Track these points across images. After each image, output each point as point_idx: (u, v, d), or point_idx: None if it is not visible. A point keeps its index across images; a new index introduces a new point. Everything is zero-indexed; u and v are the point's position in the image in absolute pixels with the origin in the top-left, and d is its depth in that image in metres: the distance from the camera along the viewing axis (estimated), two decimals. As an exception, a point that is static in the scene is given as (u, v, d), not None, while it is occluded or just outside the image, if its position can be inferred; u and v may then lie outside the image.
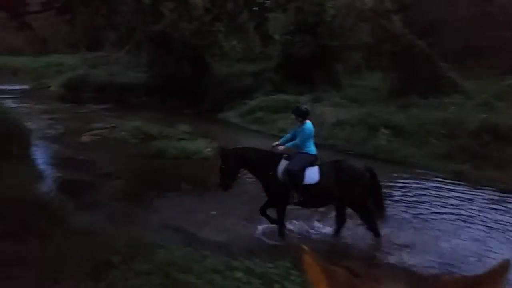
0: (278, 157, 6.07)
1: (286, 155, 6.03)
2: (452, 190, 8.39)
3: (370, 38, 17.68)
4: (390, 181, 8.98)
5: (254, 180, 6.69)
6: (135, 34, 13.46)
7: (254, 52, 19.29)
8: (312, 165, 5.93)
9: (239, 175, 6.27)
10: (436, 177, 9.17)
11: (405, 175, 9.36)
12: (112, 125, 13.39)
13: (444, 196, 8.11)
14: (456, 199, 7.91)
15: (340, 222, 6.21)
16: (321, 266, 0.80)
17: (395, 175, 9.39)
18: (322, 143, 12.69)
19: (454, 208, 7.47)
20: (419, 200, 7.93)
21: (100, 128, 13.13)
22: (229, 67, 20.22)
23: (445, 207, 7.53)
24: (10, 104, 16.27)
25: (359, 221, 6.20)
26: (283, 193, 5.93)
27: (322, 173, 5.91)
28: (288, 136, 6.42)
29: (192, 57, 19.72)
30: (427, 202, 7.79)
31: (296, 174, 5.81)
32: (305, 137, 5.97)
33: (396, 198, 7.99)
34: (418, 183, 8.82)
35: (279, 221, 6.11)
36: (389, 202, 7.70)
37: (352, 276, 0.77)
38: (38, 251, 4.02)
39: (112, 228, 5.26)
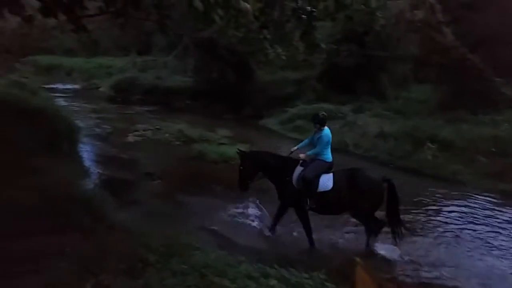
0: (294, 162, 6.12)
1: (302, 161, 6.06)
2: (499, 210, 7.96)
3: (419, 49, 17.16)
4: (434, 198, 8.64)
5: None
6: (183, 39, 13.83)
7: (298, 59, 19.24)
8: (327, 172, 5.98)
9: (257, 177, 6.29)
10: (484, 196, 8.73)
11: (452, 192, 8.98)
12: (157, 127, 13.76)
13: (491, 216, 7.70)
14: (504, 220, 7.49)
15: (369, 232, 6.11)
16: (377, 281, 0.76)
17: (440, 191, 9.01)
18: (364, 154, 12.48)
19: (501, 228, 7.08)
20: (462, 218, 7.57)
21: (145, 129, 13.52)
22: (272, 74, 20.27)
23: (494, 226, 7.16)
24: (62, 102, 17.15)
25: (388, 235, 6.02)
26: (297, 199, 5.96)
27: (336, 180, 5.93)
28: (305, 141, 6.45)
29: (237, 63, 19.97)
30: (471, 222, 7.42)
31: (311, 181, 5.85)
32: (324, 145, 5.98)
33: (438, 214, 7.66)
34: (463, 201, 8.42)
35: (306, 228, 6.09)
36: (435, 218, 7.43)
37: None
38: (79, 245, 4.14)
39: (150, 227, 5.35)
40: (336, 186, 5.87)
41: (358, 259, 0.84)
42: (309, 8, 7.18)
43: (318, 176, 5.88)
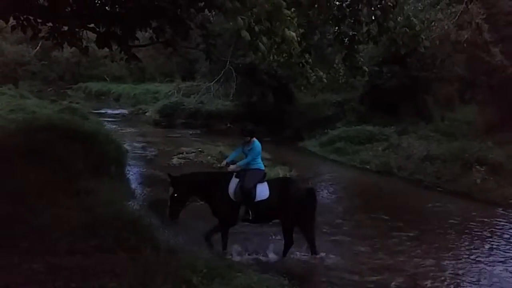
0: (228, 176, 6.21)
1: (236, 173, 6.14)
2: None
3: (466, 69, 16.68)
4: (485, 222, 8.24)
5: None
6: (225, 65, 14.28)
7: (339, 82, 19.23)
8: (261, 181, 6.09)
9: (188, 202, 6.29)
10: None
11: (501, 217, 8.54)
12: (199, 149, 14.10)
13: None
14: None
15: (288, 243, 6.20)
16: None
17: (489, 215, 8.61)
18: (409, 177, 12.10)
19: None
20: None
21: (189, 151, 13.89)
22: (313, 97, 20.36)
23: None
24: (110, 126, 18.02)
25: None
26: (234, 212, 6.03)
27: (270, 188, 6.06)
28: (234, 154, 6.65)
29: (277, 87, 20.24)
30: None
31: (250, 191, 5.94)
32: (256, 154, 6.18)
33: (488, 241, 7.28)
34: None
35: (224, 242, 6.17)
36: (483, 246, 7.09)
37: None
38: (127, 264, 4.27)
39: (194, 248, 5.45)
40: (271, 195, 6.01)
41: None
42: (351, 32, 7.24)
43: (255, 186, 6.00)
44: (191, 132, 19.62)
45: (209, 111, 22.02)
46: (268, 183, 6.13)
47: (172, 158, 13.13)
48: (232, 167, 6.23)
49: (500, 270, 6.24)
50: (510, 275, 6.11)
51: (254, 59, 15.25)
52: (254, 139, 6.30)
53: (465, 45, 15.11)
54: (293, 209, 6.00)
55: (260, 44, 4.48)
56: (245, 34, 4.03)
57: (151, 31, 6.29)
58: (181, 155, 13.53)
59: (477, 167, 10.77)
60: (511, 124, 13.10)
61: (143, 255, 4.55)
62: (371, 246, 6.94)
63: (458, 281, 5.87)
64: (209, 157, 13.02)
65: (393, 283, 5.67)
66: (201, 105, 22.22)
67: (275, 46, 5.71)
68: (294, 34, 4.49)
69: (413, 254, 6.65)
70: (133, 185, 9.98)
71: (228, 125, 20.87)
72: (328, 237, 7.23)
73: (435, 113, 17.91)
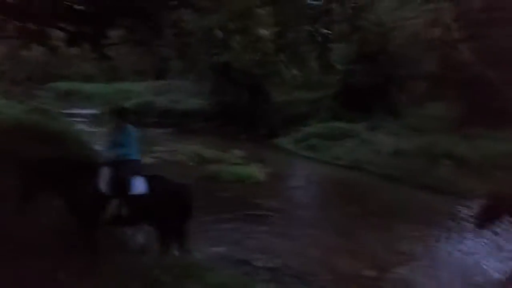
0: (94, 166, 5.31)
1: (109, 163, 5.20)
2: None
3: (435, 67, 17.15)
4: (451, 213, 8.57)
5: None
6: (199, 64, 14.23)
7: (313, 80, 19.48)
8: (139, 173, 5.17)
9: None
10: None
11: (466, 208, 8.91)
12: (172, 148, 14.00)
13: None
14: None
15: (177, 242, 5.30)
16: None
17: (455, 206, 8.96)
18: (378, 172, 12.42)
19: None
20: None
21: (161, 151, 13.77)
22: (287, 94, 20.53)
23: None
24: (81, 126, 17.62)
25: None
26: (101, 207, 4.96)
27: (146, 183, 5.12)
28: (108, 141, 5.54)
29: (251, 85, 20.29)
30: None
31: (124, 183, 5.02)
32: (132, 144, 5.39)
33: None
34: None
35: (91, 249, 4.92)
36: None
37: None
38: (96, 266, 4.20)
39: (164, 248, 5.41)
40: (147, 190, 5.12)
41: None
42: (324, 31, 7.37)
43: (131, 178, 5.08)
44: (164, 131, 19.41)
45: (182, 110, 21.87)
46: (144, 178, 5.17)
47: (144, 158, 12.97)
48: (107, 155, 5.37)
49: (463, 255, 6.58)
50: (468, 258, 6.45)
51: (229, 58, 15.26)
52: (128, 125, 5.50)
53: (435, 43, 15.57)
54: (166, 207, 5.13)
55: (233, 42, 4.52)
56: (217, 32, 4.05)
57: (123, 30, 6.23)
58: (153, 154, 13.39)
59: (445, 161, 11.16)
60: (477, 119, 13.57)
61: (112, 255, 4.49)
62: (344, 237, 7.14)
63: (427, 267, 6.15)
64: (182, 156, 12.96)
65: (365, 271, 5.86)
66: (174, 103, 22.06)
67: (250, 45, 5.75)
68: (267, 32, 4.54)
69: (384, 244, 6.86)
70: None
71: (203, 124, 20.78)
72: (302, 230, 7.37)
73: (406, 109, 18.38)
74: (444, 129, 14.34)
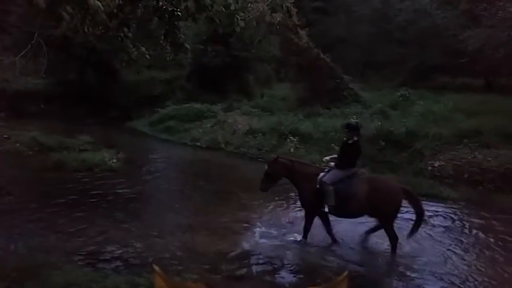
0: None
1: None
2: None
3: (280, 50, 18.35)
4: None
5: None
6: (32, 38, 12.35)
7: (165, 59, 18.91)
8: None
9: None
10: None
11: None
12: (5, 136, 12.06)
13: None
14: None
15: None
16: (171, 284, 0.82)
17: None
18: (235, 151, 12.92)
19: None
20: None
21: (-12, 139, 11.75)
22: (139, 74, 19.61)
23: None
24: None
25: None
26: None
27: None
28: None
29: (97, 63, 18.71)
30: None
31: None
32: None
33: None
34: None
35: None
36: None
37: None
38: None
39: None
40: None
41: (155, 267, 0.84)
42: (170, 7, 7.06)
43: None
44: (-7, 116, 16.63)
45: (16, 91, 18.95)
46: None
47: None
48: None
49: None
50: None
51: (66, 31, 13.65)
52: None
53: (277, 27, 16.55)
54: None
55: (63, 13, 3.94)
56: (39, 0, 3.46)
57: None
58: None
59: (291, 137, 12.15)
60: (317, 99, 15.08)
61: None
62: (202, 215, 7.20)
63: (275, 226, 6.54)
64: (17, 144, 11.30)
65: (197, 240, 6.00)
66: (4, 83, 18.98)
67: (88, 17, 5.13)
68: (99, 3, 4.06)
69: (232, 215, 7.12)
70: None
71: (42, 106, 18.46)
72: (160, 216, 7.17)
73: (256, 91, 19.37)
74: (289, 109, 15.60)
